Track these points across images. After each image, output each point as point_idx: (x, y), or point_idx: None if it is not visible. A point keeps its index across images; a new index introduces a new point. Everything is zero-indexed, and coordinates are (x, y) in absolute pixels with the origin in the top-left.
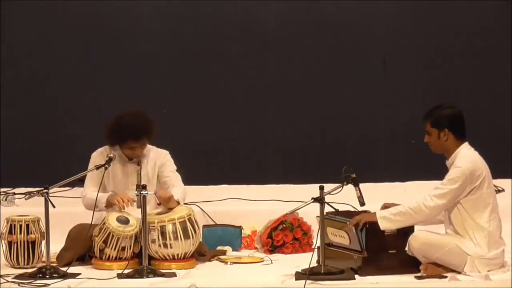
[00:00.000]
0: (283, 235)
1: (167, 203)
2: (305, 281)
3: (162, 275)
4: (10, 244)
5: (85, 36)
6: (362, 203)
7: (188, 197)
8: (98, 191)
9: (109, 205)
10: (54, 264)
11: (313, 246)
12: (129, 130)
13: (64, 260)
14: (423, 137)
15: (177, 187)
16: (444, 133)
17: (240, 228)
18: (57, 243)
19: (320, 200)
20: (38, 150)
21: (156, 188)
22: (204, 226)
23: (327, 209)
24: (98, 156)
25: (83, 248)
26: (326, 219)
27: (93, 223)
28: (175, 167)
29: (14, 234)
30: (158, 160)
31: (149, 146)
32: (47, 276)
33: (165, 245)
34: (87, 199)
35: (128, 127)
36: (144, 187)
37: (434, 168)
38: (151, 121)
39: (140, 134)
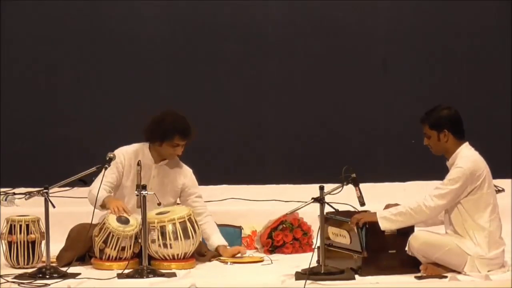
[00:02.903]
0: (283, 235)
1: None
2: (305, 281)
3: (162, 275)
4: (10, 244)
5: (85, 36)
6: (362, 203)
7: None
8: (99, 190)
9: (104, 206)
10: (54, 264)
11: (313, 246)
12: (180, 125)
13: (64, 260)
14: (423, 137)
15: (216, 231)
16: (444, 134)
17: (240, 228)
18: (57, 243)
19: (320, 200)
20: (38, 150)
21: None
22: None
23: (327, 209)
24: (124, 153)
25: (83, 248)
26: (327, 219)
27: (93, 223)
28: (199, 190)
29: (14, 234)
30: (185, 178)
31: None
32: (47, 276)
33: (165, 245)
34: (91, 194)
35: (180, 122)
36: (144, 187)
37: (434, 168)
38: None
39: (188, 133)
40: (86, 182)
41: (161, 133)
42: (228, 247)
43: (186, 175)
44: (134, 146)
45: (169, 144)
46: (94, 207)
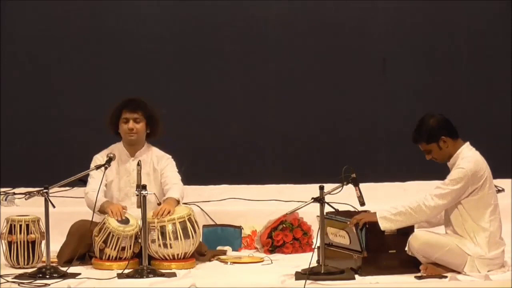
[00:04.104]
0: (283, 235)
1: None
2: (305, 281)
3: (162, 275)
4: (10, 244)
5: (85, 36)
6: (362, 203)
7: (188, 197)
8: (98, 193)
9: (102, 211)
10: (54, 264)
11: (313, 246)
12: (124, 101)
13: (65, 256)
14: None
15: (173, 188)
16: (443, 141)
17: (240, 228)
18: (57, 243)
19: (320, 200)
20: (38, 150)
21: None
22: (204, 226)
23: (327, 209)
24: (100, 158)
25: (84, 243)
26: (326, 219)
27: (93, 221)
28: (176, 169)
29: (14, 234)
30: (160, 162)
31: (152, 147)
32: (47, 276)
33: (165, 245)
34: (87, 198)
35: (124, 99)
36: (144, 187)
37: (434, 168)
38: (148, 103)
39: (135, 105)
40: (86, 182)
41: (112, 115)
42: (181, 205)
43: (162, 159)
44: (109, 147)
45: (121, 122)
46: (93, 211)
